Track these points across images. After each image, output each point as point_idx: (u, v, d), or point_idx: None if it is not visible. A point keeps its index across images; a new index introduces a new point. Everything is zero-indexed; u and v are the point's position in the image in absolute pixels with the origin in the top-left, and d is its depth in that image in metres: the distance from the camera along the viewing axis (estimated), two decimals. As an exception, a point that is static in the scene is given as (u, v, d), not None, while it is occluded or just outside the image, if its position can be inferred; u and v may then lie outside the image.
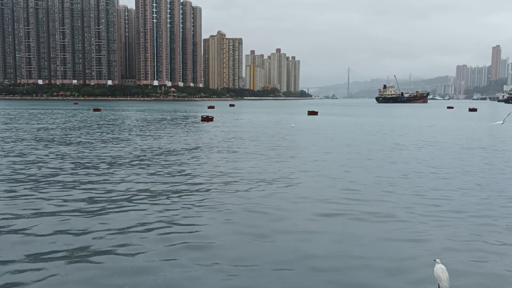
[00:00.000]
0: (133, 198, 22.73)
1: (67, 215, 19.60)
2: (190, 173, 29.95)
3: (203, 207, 20.98)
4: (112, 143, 48.36)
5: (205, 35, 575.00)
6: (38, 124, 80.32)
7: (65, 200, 22.12)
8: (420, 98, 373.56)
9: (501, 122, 69.78)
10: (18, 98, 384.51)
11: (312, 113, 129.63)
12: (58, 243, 15.94)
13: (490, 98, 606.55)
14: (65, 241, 16.23)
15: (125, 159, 36.43)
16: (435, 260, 11.91)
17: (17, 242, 16.03)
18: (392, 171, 31.11)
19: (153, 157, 37.68)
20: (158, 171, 30.52)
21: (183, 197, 23.05)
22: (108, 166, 32.73)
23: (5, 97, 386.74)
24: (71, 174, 29.38)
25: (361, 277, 13.27)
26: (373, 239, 16.50)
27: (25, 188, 24.80)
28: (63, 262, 14.23)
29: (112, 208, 20.76)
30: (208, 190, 24.63)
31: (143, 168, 31.91)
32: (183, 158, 37.30)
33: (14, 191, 24.02)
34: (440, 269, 11.45)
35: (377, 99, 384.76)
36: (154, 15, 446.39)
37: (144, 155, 38.56)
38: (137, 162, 34.80)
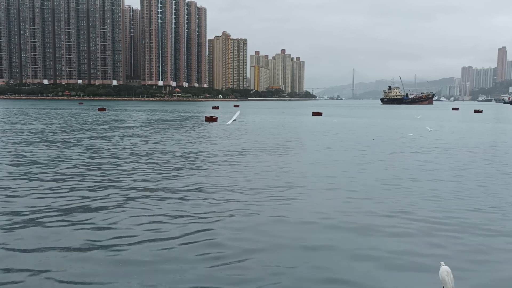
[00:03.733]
0: (136, 196, 22.68)
1: (71, 214, 19.58)
2: (194, 173, 29.88)
3: (207, 206, 20.90)
4: (117, 142, 48.40)
5: (210, 35, 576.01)
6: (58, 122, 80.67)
7: (69, 199, 22.11)
8: (425, 99, 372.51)
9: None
10: (24, 97, 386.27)
11: (317, 114, 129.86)
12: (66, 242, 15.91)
13: (495, 100, 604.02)
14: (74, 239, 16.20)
15: (129, 158, 36.43)
16: (440, 263, 11.75)
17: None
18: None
19: (157, 157, 37.64)
20: (162, 170, 30.47)
21: (187, 196, 22.97)
22: (113, 164, 32.72)
23: (11, 97, 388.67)
24: (75, 174, 29.40)
25: (366, 276, 13.16)
26: (376, 238, 16.38)
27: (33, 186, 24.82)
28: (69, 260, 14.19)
29: (117, 205, 20.74)
30: (213, 189, 24.55)
31: (147, 167, 31.88)
32: (187, 157, 37.26)
33: (14, 190, 24.05)
34: (445, 272, 11.30)
35: (382, 100, 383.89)
36: (159, 15, 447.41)
37: (148, 155, 38.55)
38: (141, 161, 34.78)
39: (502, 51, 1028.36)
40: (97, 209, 20.39)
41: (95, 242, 16.06)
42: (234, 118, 41.33)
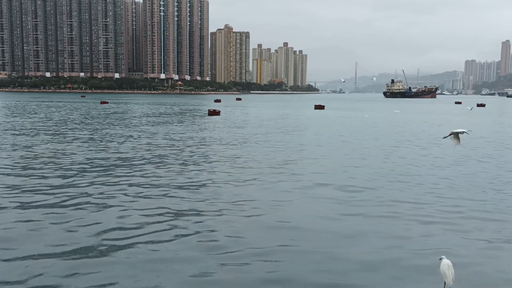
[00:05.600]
0: (139, 190, 22.81)
1: (74, 209, 19.72)
2: (197, 167, 29.99)
3: (208, 200, 21.03)
4: (120, 136, 48.51)
5: (212, 28, 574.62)
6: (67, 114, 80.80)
7: (73, 193, 22.26)
8: (429, 93, 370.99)
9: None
10: (26, 90, 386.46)
11: (319, 107, 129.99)
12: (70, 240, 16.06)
13: (498, 94, 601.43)
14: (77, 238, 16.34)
15: (131, 152, 36.55)
16: (440, 259, 11.81)
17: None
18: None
19: (160, 150, 37.74)
20: (165, 164, 30.58)
21: (189, 190, 23.09)
22: (115, 158, 32.86)
23: (13, 89, 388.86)
24: (76, 168, 29.54)
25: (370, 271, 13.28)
26: (378, 233, 16.48)
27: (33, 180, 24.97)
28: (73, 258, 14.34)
29: (119, 200, 20.88)
30: (215, 184, 24.67)
31: (149, 161, 32.00)
32: (189, 151, 37.35)
33: (16, 184, 24.20)
34: (446, 266, 11.39)
35: (384, 94, 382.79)
36: (162, 8, 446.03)
37: (151, 149, 38.65)
38: (144, 155, 34.89)
39: (506, 45, 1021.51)
40: (98, 205, 20.52)
41: (96, 237, 16.20)
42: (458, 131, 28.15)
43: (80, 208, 19.43)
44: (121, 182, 24.64)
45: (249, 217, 18.56)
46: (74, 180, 25.02)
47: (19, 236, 15.90)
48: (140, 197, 21.57)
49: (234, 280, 12.71)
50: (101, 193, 22.16)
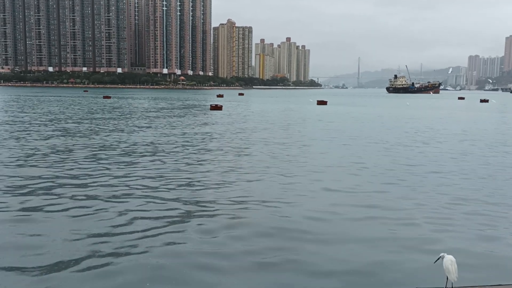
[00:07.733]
0: (140, 186, 22.78)
1: (77, 204, 19.71)
2: (198, 162, 29.96)
3: (208, 195, 20.99)
4: (123, 130, 48.51)
5: (215, 23, 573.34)
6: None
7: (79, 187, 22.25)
8: (432, 88, 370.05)
9: None
10: (29, 85, 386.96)
11: (322, 102, 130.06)
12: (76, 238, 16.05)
13: (502, 89, 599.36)
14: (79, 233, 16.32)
15: (135, 147, 36.54)
16: (441, 257, 11.70)
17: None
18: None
19: (161, 145, 37.72)
20: (167, 159, 30.55)
21: (189, 185, 23.06)
22: (119, 154, 32.86)
23: (16, 84, 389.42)
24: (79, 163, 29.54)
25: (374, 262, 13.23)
26: (380, 228, 16.42)
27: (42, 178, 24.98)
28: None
29: (119, 193, 20.86)
30: (216, 179, 24.62)
31: (151, 156, 31.98)
32: (191, 145, 37.32)
33: (19, 180, 24.21)
34: (449, 261, 11.28)
35: (387, 89, 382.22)
36: (164, 2, 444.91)
37: (153, 143, 38.64)
38: (146, 149, 34.87)
39: (509, 40, 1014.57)
40: (101, 200, 20.50)
41: (99, 233, 16.19)
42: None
43: (79, 205, 19.43)
44: (121, 178, 24.61)
45: (247, 215, 18.52)
46: (74, 176, 25.02)
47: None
48: (139, 191, 21.53)
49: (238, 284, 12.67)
50: (101, 187, 22.15)
